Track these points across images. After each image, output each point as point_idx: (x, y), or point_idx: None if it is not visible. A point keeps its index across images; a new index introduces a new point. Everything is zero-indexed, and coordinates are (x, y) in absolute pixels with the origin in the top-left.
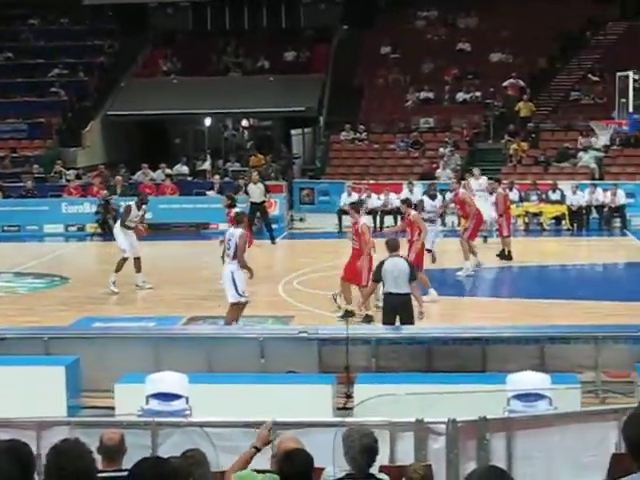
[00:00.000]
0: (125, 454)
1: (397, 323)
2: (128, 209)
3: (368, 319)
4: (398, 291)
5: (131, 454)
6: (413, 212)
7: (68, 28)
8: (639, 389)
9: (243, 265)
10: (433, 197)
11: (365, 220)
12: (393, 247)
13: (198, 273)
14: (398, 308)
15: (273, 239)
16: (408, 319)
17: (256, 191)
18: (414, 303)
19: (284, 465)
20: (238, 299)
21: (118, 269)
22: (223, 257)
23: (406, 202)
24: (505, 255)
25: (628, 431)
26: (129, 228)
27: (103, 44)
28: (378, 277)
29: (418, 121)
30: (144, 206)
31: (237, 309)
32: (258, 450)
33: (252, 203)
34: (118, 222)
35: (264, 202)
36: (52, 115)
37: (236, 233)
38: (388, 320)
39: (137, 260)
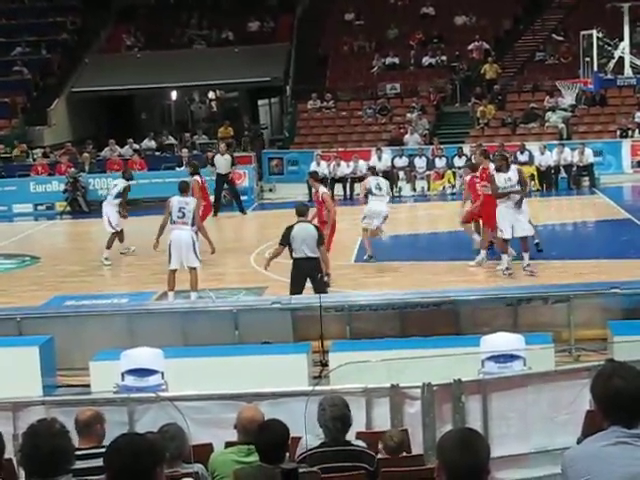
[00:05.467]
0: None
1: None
2: (128, 188)
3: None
4: (309, 255)
5: (108, 431)
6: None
7: (29, 6)
8: (611, 346)
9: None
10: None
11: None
12: (301, 212)
13: None
14: (309, 273)
15: (243, 210)
16: (320, 284)
17: (223, 162)
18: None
19: (260, 437)
20: None
21: (122, 239)
22: None
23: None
24: None
25: (595, 388)
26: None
27: (65, 21)
28: (285, 242)
29: (384, 87)
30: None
31: None
32: None
33: (218, 174)
34: (111, 199)
35: (229, 173)
36: (16, 94)
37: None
38: (298, 285)
39: (114, 235)
